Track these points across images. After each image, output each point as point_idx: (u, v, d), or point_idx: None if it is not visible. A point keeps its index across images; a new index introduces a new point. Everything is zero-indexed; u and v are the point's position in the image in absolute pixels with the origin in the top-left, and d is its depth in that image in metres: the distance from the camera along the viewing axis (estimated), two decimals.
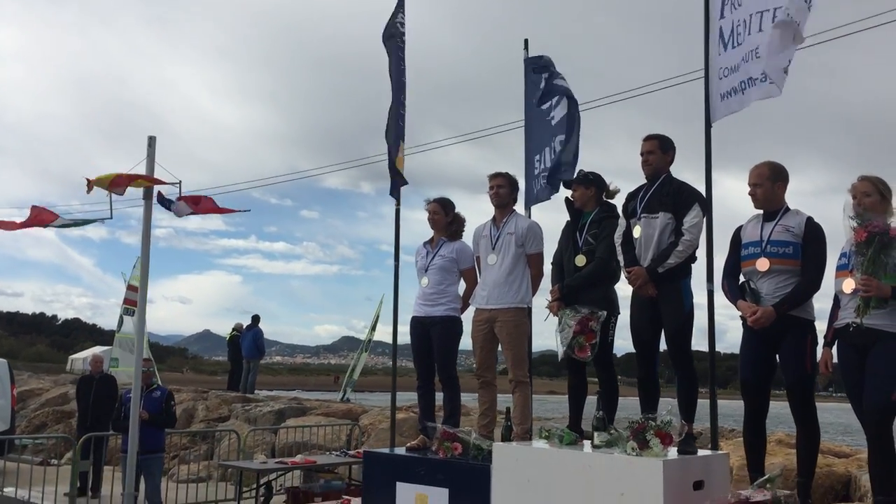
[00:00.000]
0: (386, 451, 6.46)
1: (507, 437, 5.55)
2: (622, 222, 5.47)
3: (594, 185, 5.76)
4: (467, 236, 6.35)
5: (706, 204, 5.18)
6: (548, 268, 6.04)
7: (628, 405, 6.09)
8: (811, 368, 4.68)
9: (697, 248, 5.15)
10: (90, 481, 10.82)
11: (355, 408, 15.22)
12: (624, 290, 5.64)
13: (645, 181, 5.41)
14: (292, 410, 14.86)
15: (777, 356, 4.79)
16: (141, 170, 7.02)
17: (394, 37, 7.35)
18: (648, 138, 5.36)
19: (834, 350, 4.71)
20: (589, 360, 5.40)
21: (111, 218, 7.81)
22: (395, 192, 7.25)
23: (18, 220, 7.22)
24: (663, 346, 5.30)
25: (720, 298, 5.14)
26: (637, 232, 5.28)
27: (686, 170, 5.59)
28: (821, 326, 4.79)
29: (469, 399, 8.87)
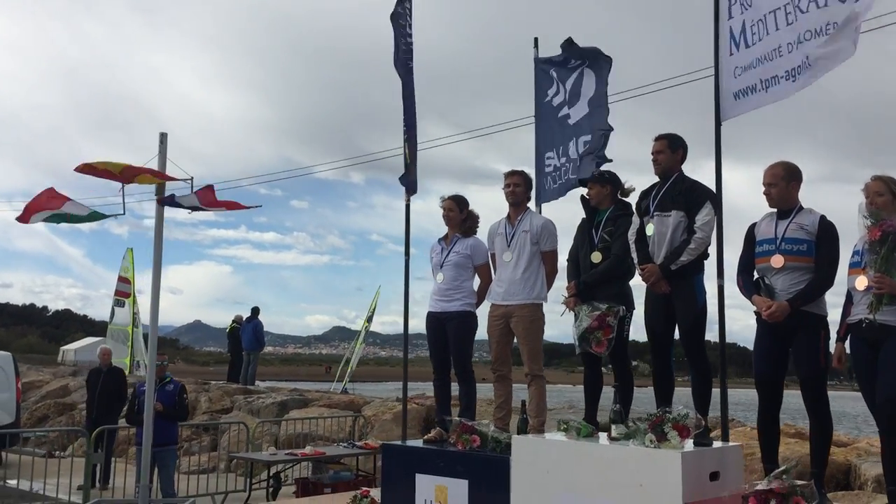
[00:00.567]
0: (404, 443, 6.59)
1: (523, 430, 5.67)
2: (635, 220, 5.59)
3: (610, 183, 5.88)
4: (481, 233, 6.48)
5: (717, 202, 5.32)
6: (562, 264, 6.17)
7: (641, 397, 6.25)
8: (824, 363, 4.83)
9: (709, 245, 5.28)
10: (99, 473, 10.93)
11: (356, 399, 15.34)
12: (638, 285, 5.77)
13: (657, 180, 5.54)
14: (294, 402, 14.97)
15: (790, 351, 4.93)
16: (153, 166, 7.06)
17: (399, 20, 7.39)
18: (658, 138, 5.48)
19: (846, 344, 4.86)
20: (605, 355, 5.53)
21: (124, 213, 7.86)
22: (411, 188, 7.30)
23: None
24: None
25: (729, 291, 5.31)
26: (650, 230, 5.40)
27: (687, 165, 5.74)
28: (833, 320, 4.93)
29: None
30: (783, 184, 4.96)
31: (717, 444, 4.89)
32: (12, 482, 9.71)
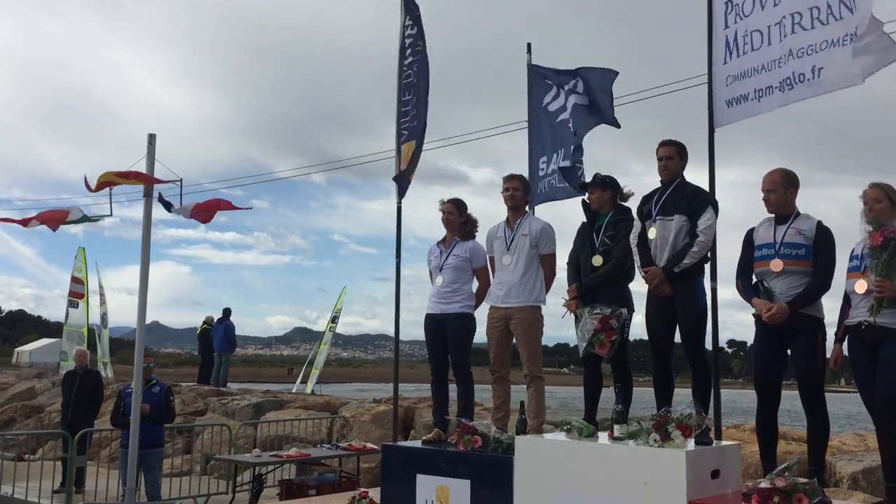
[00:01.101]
0: (405, 443, 6.63)
1: (522, 431, 5.73)
2: (637, 224, 5.72)
3: (610, 188, 6.00)
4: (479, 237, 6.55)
5: (717, 207, 5.47)
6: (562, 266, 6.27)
7: (640, 397, 6.36)
8: (822, 364, 4.98)
9: (710, 249, 5.43)
10: (74, 476, 10.75)
11: (333, 400, 15.31)
12: (638, 288, 5.89)
13: (658, 185, 5.67)
14: (270, 404, 14.90)
15: (789, 352, 5.08)
16: (141, 167, 7.02)
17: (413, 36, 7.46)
18: (667, 144, 5.61)
19: (843, 346, 5.03)
20: (608, 357, 5.63)
21: (111, 215, 7.81)
22: (402, 189, 7.35)
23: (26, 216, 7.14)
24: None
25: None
26: (653, 233, 5.53)
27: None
28: (829, 322, 5.09)
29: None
30: (782, 190, 5.11)
31: (717, 443, 5.01)
32: None
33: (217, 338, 18.28)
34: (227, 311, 18.79)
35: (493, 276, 6.35)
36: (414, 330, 8.19)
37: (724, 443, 5.18)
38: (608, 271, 5.80)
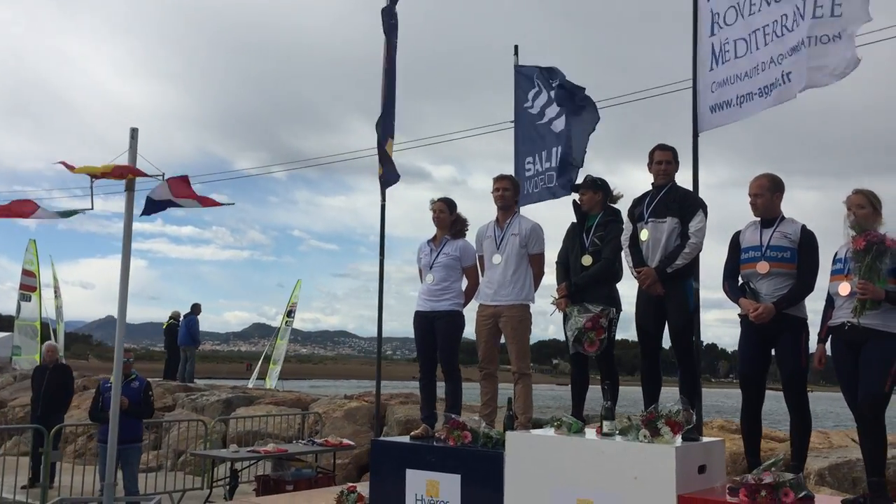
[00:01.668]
0: (394, 438, 6.69)
1: (510, 427, 5.84)
2: (628, 226, 5.86)
3: (602, 190, 6.13)
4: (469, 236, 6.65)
5: (707, 210, 5.65)
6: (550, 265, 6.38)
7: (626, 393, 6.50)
8: (805, 363, 5.16)
9: (701, 250, 5.59)
10: (44, 472, 10.61)
11: (303, 397, 15.29)
12: (625, 288, 6.03)
13: (650, 188, 5.82)
14: (239, 400, 14.83)
15: (773, 352, 5.25)
16: (123, 161, 6.98)
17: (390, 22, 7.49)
18: (665, 149, 5.76)
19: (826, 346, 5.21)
20: (596, 355, 5.75)
21: (92, 209, 7.73)
22: (386, 184, 7.40)
23: None
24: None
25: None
26: (644, 235, 5.67)
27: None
28: (811, 322, 5.28)
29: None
30: (768, 195, 5.27)
31: (703, 439, 5.17)
32: None
33: (180, 333, 18.17)
34: (194, 307, 18.65)
35: (483, 274, 6.46)
36: (385, 326, 8.24)
37: (707, 439, 5.37)
38: (597, 271, 5.92)
